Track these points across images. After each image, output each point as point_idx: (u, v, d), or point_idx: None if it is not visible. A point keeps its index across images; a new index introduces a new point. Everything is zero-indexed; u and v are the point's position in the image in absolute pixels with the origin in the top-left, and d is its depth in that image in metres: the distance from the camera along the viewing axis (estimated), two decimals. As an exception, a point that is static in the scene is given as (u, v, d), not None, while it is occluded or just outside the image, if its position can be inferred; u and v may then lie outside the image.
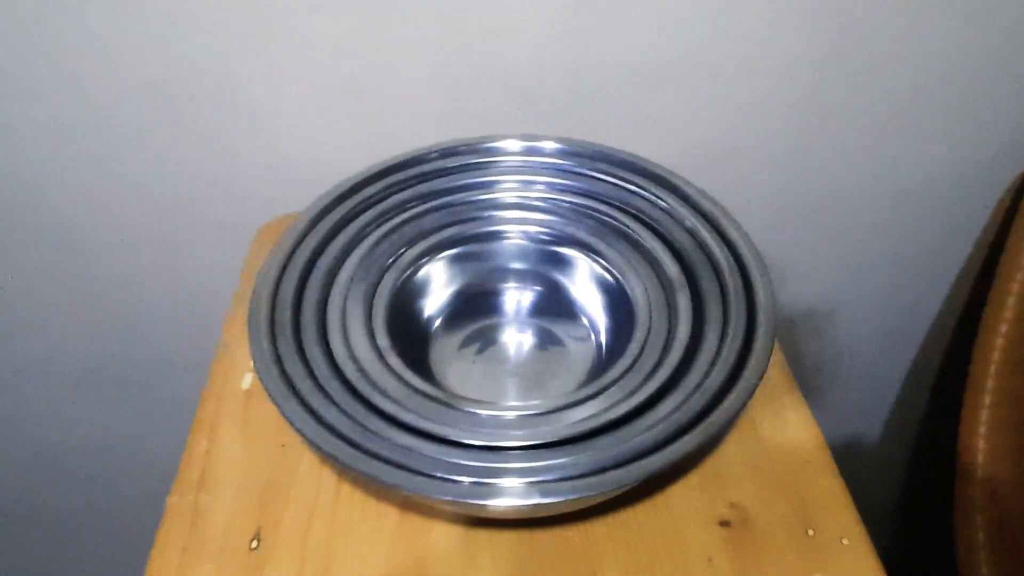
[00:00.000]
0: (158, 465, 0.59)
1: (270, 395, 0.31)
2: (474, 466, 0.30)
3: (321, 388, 0.32)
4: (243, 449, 0.38)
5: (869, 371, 0.74)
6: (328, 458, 0.32)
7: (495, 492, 0.29)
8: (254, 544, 0.34)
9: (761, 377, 0.32)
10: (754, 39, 0.48)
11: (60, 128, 0.49)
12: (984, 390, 0.50)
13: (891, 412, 0.78)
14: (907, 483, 0.82)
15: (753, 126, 0.52)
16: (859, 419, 0.79)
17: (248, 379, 0.42)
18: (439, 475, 0.29)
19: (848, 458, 0.80)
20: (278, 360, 0.33)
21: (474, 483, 0.29)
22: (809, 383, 0.74)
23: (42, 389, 0.64)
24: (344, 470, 0.37)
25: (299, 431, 0.30)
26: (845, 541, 0.34)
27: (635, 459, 0.30)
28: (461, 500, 0.29)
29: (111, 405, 0.66)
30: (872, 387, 0.76)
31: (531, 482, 0.29)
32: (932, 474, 0.76)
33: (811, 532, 0.35)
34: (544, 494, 0.29)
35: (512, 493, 0.29)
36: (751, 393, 0.31)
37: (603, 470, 0.30)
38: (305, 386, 0.32)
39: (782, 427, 0.39)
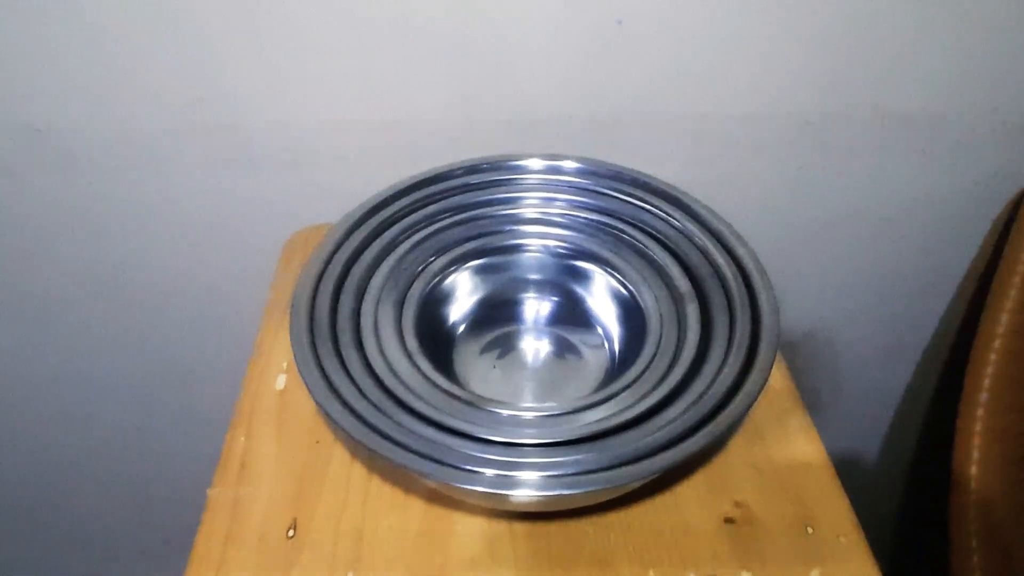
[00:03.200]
0: (195, 463, 0.62)
1: (312, 392, 0.34)
2: (497, 459, 0.32)
3: (356, 386, 0.35)
4: (278, 445, 0.41)
5: (867, 390, 0.76)
6: (363, 449, 0.35)
7: (518, 483, 0.31)
8: (291, 533, 0.37)
9: (764, 383, 0.34)
10: (760, 68, 0.50)
11: (97, 141, 0.51)
12: (978, 403, 0.52)
13: (888, 429, 0.80)
14: (904, 498, 0.83)
15: (759, 150, 0.55)
16: (857, 436, 0.81)
17: (282, 380, 0.44)
18: (466, 467, 0.32)
19: (846, 474, 0.82)
20: (317, 360, 0.35)
21: (498, 475, 0.31)
22: (808, 402, 0.76)
23: (81, 392, 0.67)
24: (378, 460, 0.39)
25: (337, 424, 0.33)
26: (842, 539, 0.36)
27: (648, 456, 0.32)
28: (487, 490, 0.31)
29: (148, 406, 0.69)
30: (870, 405, 0.78)
31: (551, 475, 0.31)
32: (928, 490, 0.78)
33: (810, 530, 0.37)
34: (564, 486, 0.31)
35: (533, 484, 0.31)
36: (755, 397, 0.34)
37: (617, 465, 0.32)
38: (342, 384, 0.35)
39: (784, 432, 0.41)
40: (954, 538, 0.55)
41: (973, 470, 0.52)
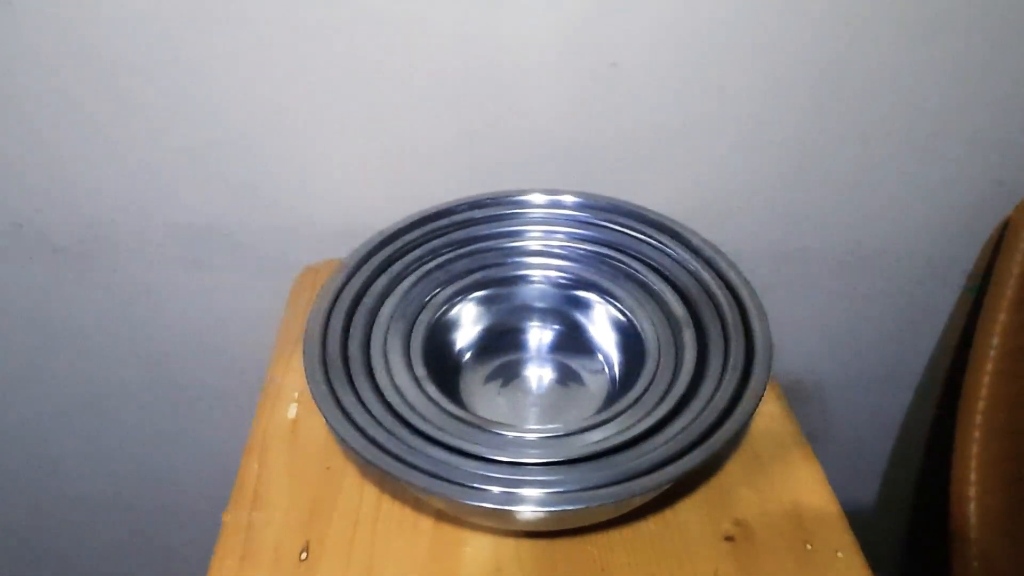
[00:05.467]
0: (209, 491, 0.63)
1: (326, 418, 0.35)
2: (503, 478, 0.33)
3: (368, 410, 0.36)
4: (290, 471, 0.42)
5: (861, 428, 0.77)
6: (374, 470, 0.36)
7: (523, 500, 0.32)
8: (303, 556, 0.38)
9: (760, 399, 0.36)
10: (747, 104, 0.53)
11: (117, 180, 0.54)
12: (973, 424, 0.53)
13: (887, 466, 0.80)
14: (903, 549, 0.83)
15: (748, 184, 0.57)
16: (853, 479, 0.81)
17: (293, 409, 0.46)
18: (473, 485, 0.33)
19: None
20: (330, 387, 0.37)
21: (504, 492, 0.33)
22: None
23: (96, 426, 0.68)
24: (389, 481, 0.41)
25: (350, 446, 0.34)
26: (840, 554, 0.37)
27: (648, 472, 0.33)
28: (494, 506, 0.32)
29: (162, 437, 0.70)
30: (864, 445, 0.78)
31: (555, 492, 0.33)
32: (928, 531, 0.78)
33: (809, 547, 0.38)
34: (568, 502, 0.32)
35: (538, 501, 0.32)
36: (751, 413, 0.35)
37: (619, 482, 0.33)
38: (354, 409, 0.36)
39: (780, 452, 0.42)
40: (955, 569, 0.55)
41: (972, 491, 0.53)
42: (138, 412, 0.68)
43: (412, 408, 0.37)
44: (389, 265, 0.45)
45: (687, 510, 0.40)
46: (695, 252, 0.45)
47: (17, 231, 0.56)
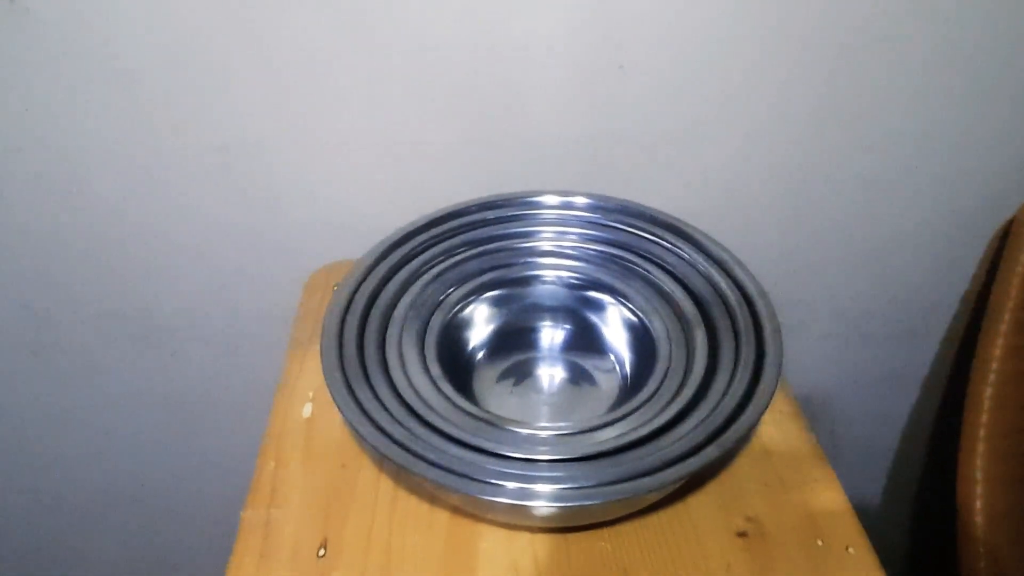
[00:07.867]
0: (226, 490, 0.63)
1: (344, 414, 0.36)
2: (518, 474, 0.34)
3: (384, 407, 0.37)
4: (306, 469, 0.43)
5: (864, 437, 0.77)
6: (391, 466, 0.37)
7: (538, 495, 0.33)
8: (321, 552, 0.38)
9: (771, 398, 0.36)
10: (755, 109, 0.53)
11: (131, 187, 0.54)
12: (979, 424, 0.53)
13: (891, 465, 0.81)
14: (910, 548, 0.83)
15: (753, 186, 0.58)
16: (857, 484, 0.81)
17: (308, 408, 0.46)
18: (490, 481, 0.33)
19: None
20: (348, 384, 0.38)
21: (519, 488, 0.33)
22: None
23: (111, 427, 0.69)
24: (406, 477, 0.41)
25: (369, 444, 0.35)
26: (851, 550, 0.38)
27: (660, 469, 0.34)
28: (510, 502, 0.33)
29: (178, 437, 0.70)
30: (867, 453, 0.79)
31: (570, 487, 0.33)
32: (933, 537, 0.78)
33: (820, 542, 0.38)
34: (582, 498, 0.33)
35: (553, 496, 0.33)
36: (762, 411, 0.36)
37: (632, 478, 0.34)
38: (371, 406, 0.37)
39: (790, 449, 0.43)
40: (962, 568, 0.56)
41: (978, 491, 0.53)
42: (153, 411, 0.68)
43: (427, 405, 0.38)
44: (403, 265, 0.45)
45: (699, 506, 0.40)
46: (705, 253, 0.45)
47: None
